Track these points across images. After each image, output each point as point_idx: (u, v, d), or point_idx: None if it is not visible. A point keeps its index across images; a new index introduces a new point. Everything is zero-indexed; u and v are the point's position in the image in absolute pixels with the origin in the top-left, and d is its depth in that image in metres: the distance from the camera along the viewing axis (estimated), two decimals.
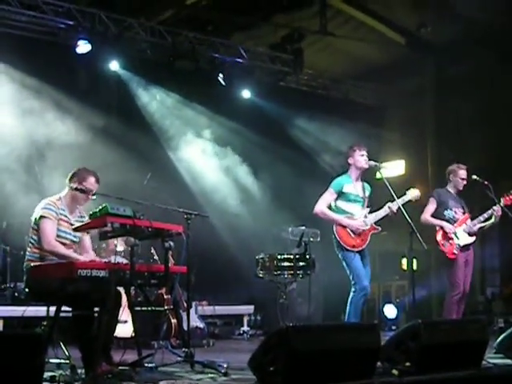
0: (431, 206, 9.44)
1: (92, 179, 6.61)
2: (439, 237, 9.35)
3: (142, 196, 7.01)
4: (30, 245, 6.49)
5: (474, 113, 13.32)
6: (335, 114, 13.82)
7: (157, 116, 12.55)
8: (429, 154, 14.81)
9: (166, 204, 6.99)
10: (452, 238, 9.25)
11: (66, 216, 6.55)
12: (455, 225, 9.35)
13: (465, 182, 9.51)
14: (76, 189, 6.49)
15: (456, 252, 9.22)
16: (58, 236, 6.42)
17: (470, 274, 9.44)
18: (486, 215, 9.34)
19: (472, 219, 9.45)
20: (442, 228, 9.31)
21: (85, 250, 6.71)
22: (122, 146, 11.27)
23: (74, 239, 6.60)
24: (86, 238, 6.74)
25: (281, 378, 5.08)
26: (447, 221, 9.36)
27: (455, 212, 9.43)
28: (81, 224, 6.35)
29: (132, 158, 11.15)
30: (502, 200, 9.28)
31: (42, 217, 6.39)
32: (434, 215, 9.42)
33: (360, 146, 8.65)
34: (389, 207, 8.49)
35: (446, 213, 9.41)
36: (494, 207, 9.26)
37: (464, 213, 9.51)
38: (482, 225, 9.41)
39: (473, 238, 9.37)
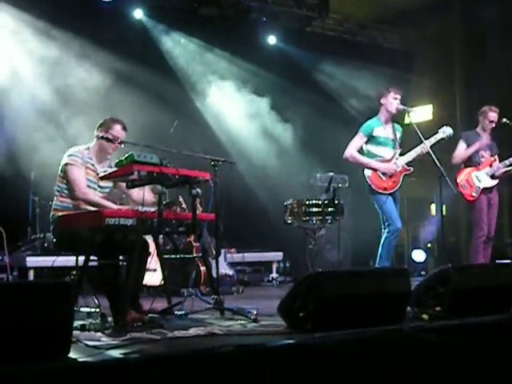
0: (461, 148, 9.38)
1: (118, 127, 6.59)
2: (459, 178, 9.31)
3: (169, 143, 6.97)
4: (57, 193, 6.48)
5: (502, 58, 13.11)
6: (362, 59, 13.68)
7: (182, 63, 12.47)
8: (457, 99, 14.67)
9: (193, 151, 6.95)
10: (473, 179, 9.22)
11: (93, 165, 6.54)
12: (479, 167, 9.30)
13: (493, 125, 9.45)
14: (102, 137, 6.47)
15: (475, 195, 9.20)
16: (87, 186, 6.42)
17: (495, 217, 9.43)
18: (508, 162, 9.28)
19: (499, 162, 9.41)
20: (465, 167, 9.28)
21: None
22: (147, 93, 11.23)
23: (103, 190, 6.61)
24: (132, 190, 6.66)
25: (310, 323, 5.09)
26: (473, 163, 9.31)
27: (482, 155, 9.37)
28: (107, 173, 6.34)
29: (158, 106, 11.11)
30: None
31: (67, 164, 6.38)
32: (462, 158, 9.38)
33: (396, 89, 8.61)
34: (420, 147, 8.44)
35: (472, 155, 9.35)
36: None
37: (492, 155, 9.44)
38: (507, 169, 9.34)
39: (495, 182, 9.32)
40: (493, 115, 9.43)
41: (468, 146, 9.39)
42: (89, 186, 6.47)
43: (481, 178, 9.28)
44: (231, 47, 12.57)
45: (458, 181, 9.30)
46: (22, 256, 9.70)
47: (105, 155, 6.67)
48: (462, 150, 9.39)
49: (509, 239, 13.96)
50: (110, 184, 6.66)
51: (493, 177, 9.28)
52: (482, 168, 9.31)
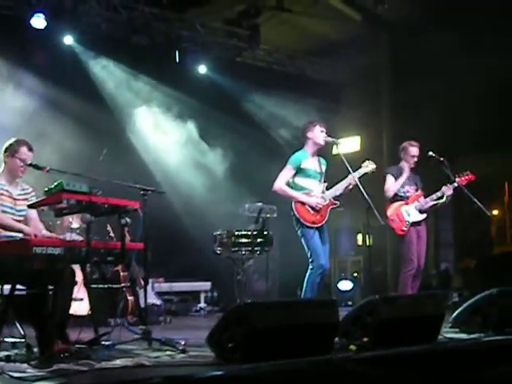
0: (390, 181, 9.50)
1: (24, 149, 6.53)
2: (389, 212, 9.43)
3: (98, 171, 6.92)
4: None
5: (429, 89, 13.36)
6: (291, 90, 13.78)
7: (112, 90, 12.39)
8: (384, 130, 14.88)
9: (122, 180, 6.91)
10: (402, 214, 9.34)
11: (7, 191, 6.48)
12: (407, 201, 9.44)
13: (415, 159, 9.59)
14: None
15: (405, 229, 9.31)
16: (2, 212, 6.34)
17: (424, 250, 9.54)
18: (438, 194, 9.44)
19: (425, 197, 9.54)
20: (392, 202, 9.41)
21: (32, 224, 6.63)
22: (77, 120, 11.16)
23: (20, 213, 6.53)
24: (31, 211, 6.65)
25: (239, 354, 5.08)
26: (399, 198, 9.45)
27: (407, 190, 9.52)
28: (35, 201, 6.27)
29: (87, 133, 11.05)
30: (457, 180, 9.34)
31: None
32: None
33: (320, 123, 8.66)
34: (347, 181, 8.51)
35: (398, 191, 9.49)
36: (444, 187, 9.38)
37: (417, 189, 9.60)
38: (434, 203, 9.50)
39: (423, 216, 9.47)
40: (414, 150, 9.58)
41: (396, 179, 9.52)
42: (5, 212, 6.38)
43: (410, 213, 9.40)
44: (162, 76, 12.56)
45: (388, 215, 9.40)
46: None
47: (15, 177, 6.60)
48: (392, 183, 9.50)
49: (434, 270, 14.20)
50: (25, 207, 6.56)
51: (421, 211, 9.42)
52: (411, 202, 9.45)
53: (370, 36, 14.40)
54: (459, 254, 14.53)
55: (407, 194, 9.51)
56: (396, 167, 9.65)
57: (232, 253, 9.08)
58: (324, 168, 8.72)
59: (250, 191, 12.06)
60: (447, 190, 9.36)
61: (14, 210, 6.46)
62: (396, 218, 9.38)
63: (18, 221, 6.49)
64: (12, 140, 6.65)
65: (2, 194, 6.41)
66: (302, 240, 8.39)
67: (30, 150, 6.59)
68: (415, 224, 9.40)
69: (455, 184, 9.33)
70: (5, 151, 6.58)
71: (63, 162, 7.01)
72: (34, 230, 6.37)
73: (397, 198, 9.47)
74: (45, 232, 6.58)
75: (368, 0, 13.42)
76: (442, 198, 9.43)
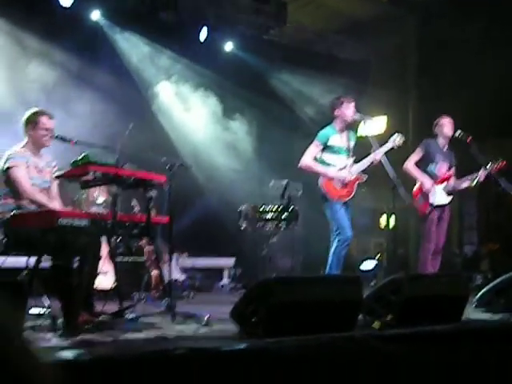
0: (416, 156, 9.40)
1: (44, 118, 6.57)
2: (416, 189, 9.35)
3: (125, 145, 6.93)
4: (3, 196, 6.43)
5: (457, 70, 13.26)
6: (318, 69, 13.74)
7: (138, 66, 12.39)
8: (410, 110, 14.81)
9: (148, 154, 6.92)
10: (429, 195, 9.24)
11: (33, 162, 6.50)
12: (436, 181, 9.33)
13: (449, 128, 9.42)
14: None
15: (428, 210, 9.21)
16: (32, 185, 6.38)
17: (445, 231, 9.44)
18: (470, 178, 9.32)
19: (457, 178, 9.45)
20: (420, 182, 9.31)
21: (51, 197, 6.67)
22: (104, 95, 11.16)
23: (45, 185, 6.56)
24: (54, 184, 6.70)
25: (262, 328, 5.09)
26: (429, 175, 9.34)
27: (439, 168, 9.38)
28: (61, 172, 6.30)
29: (115, 108, 11.04)
30: (491, 165, 9.19)
31: (10, 168, 6.33)
32: (418, 165, 9.39)
33: (349, 99, 8.63)
34: (373, 155, 8.48)
35: (430, 166, 9.37)
36: (481, 171, 9.24)
37: (450, 168, 9.46)
38: (465, 186, 9.39)
39: (449, 198, 9.34)
40: (446, 120, 9.43)
41: (425, 154, 9.39)
42: (34, 184, 6.43)
43: (436, 194, 9.27)
44: (188, 52, 12.52)
45: (414, 191, 9.33)
46: None
47: (40, 148, 6.63)
48: (415, 159, 9.39)
49: (458, 253, 14.14)
50: (49, 179, 6.60)
51: (448, 193, 9.30)
52: (440, 182, 9.32)
53: (398, 15, 14.30)
54: (483, 237, 14.46)
55: (438, 174, 9.37)
56: (433, 141, 9.48)
57: (257, 228, 9.08)
58: (352, 143, 8.69)
59: (275, 168, 12.06)
60: (481, 175, 9.24)
61: (40, 182, 6.50)
62: (421, 198, 9.29)
63: (44, 193, 6.52)
64: (30, 112, 6.67)
65: (29, 167, 6.44)
66: (328, 214, 8.40)
67: (51, 118, 6.62)
68: (440, 205, 9.31)
69: (487, 170, 9.20)
70: (26, 124, 6.61)
71: (89, 136, 6.99)
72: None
73: (428, 174, 9.35)
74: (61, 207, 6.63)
75: None
76: (473, 180, 9.31)
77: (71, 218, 5.67)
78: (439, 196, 9.26)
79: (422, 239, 9.41)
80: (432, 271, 9.17)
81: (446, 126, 9.42)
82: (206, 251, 11.51)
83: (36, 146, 6.59)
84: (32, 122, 6.56)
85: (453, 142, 9.56)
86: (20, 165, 6.35)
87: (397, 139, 8.62)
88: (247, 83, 12.98)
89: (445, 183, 9.31)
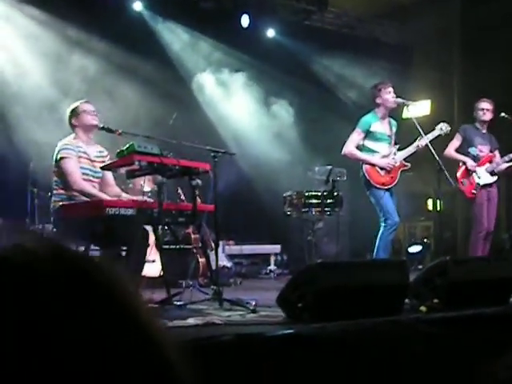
0: (456, 141, 9.40)
1: (84, 106, 6.71)
2: (459, 174, 9.32)
3: (169, 134, 6.99)
4: (55, 186, 6.55)
5: (501, 53, 13.11)
6: (361, 53, 13.68)
7: (181, 55, 12.47)
8: (455, 94, 14.67)
9: (192, 142, 6.98)
10: (473, 176, 9.20)
11: (85, 152, 6.60)
12: (478, 163, 9.29)
13: (486, 113, 9.37)
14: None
15: (475, 191, 9.18)
16: (82, 174, 6.46)
17: (494, 212, 9.40)
18: (507, 159, 9.27)
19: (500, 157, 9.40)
20: (464, 164, 9.27)
21: (109, 185, 6.77)
22: (147, 85, 11.26)
23: (97, 175, 6.65)
24: (109, 173, 6.79)
25: (309, 313, 5.12)
26: (471, 158, 9.31)
27: (480, 150, 9.35)
28: (107, 162, 6.38)
29: (158, 97, 11.14)
30: None
31: (61, 158, 6.42)
32: (458, 151, 9.37)
33: (385, 84, 8.62)
34: (418, 143, 8.46)
35: (470, 150, 9.36)
36: None
37: (491, 150, 9.42)
38: (508, 165, 9.34)
39: (494, 178, 9.29)
40: (483, 104, 9.40)
41: (464, 140, 9.38)
42: (85, 174, 6.53)
43: (480, 175, 9.24)
44: (230, 40, 12.55)
45: (458, 176, 9.29)
46: None
47: (90, 131, 6.72)
48: (455, 145, 9.39)
49: (506, 234, 13.99)
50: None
51: (492, 173, 9.26)
52: (482, 164, 9.28)
53: None
54: None
55: (480, 154, 9.34)
56: (470, 126, 9.47)
57: (302, 213, 9.10)
58: (394, 130, 8.68)
59: (319, 154, 12.03)
60: None
61: (92, 172, 6.59)
62: (466, 181, 9.26)
63: (95, 182, 6.62)
64: (73, 104, 6.78)
65: (80, 157, 6.53)
66: (373, 201, 8.41)
67: (87, 102, 6.79)
68: (486, 186, 9.26)
69: None
70: (69, 119, 6.72)
71: (134, 125, 7.07)
72: (112, 195, 6.51)
73: (469, 157, 9.32)
74: (124, 195, 6.71)
75: None
76: None
77: (118, 208, 5.75)
78: (483, 176, 9.23)
79: (473, 222, 9.37)
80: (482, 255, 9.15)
81: (482, 110, 9.37)
82: (252, 238, 11.56)
83: (85, 131, 6.69)
84: (73, 113, 6.68)
85: (497, 123, 9.50)
86: (72, 156, 6.45)
87: (443, 127, 8.60)
88: (290, 69, 12.97)
89: (487, 164, 9.28)
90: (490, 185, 9.29)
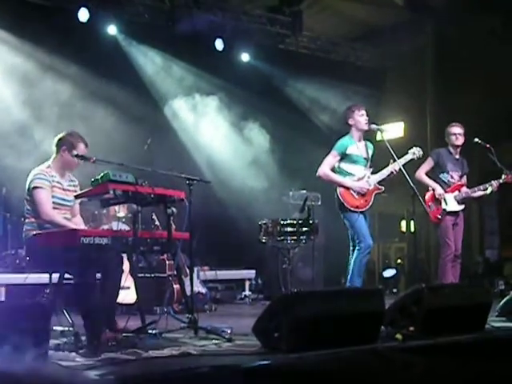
0: (427, 165, 9.44)
1: (82, 145, 6.62)
2: (427, 197, 9.37)
3: (143, 161, 6.97)
4: (27, 215, 6.53)
5: (473, 74, 13.22)
6: (334, 77, 13.75)
7: (155, 80, 12.44)
8: (428, 116, 14.78)
9: (167, 169, 6.95)
10: (440, 202, 9.25)
11: (58, 182, 6.56)
12: (448, 190, 9.34)
13: (459, 138, 9.41)
14: (77, 156, 6.46)
15: (440, 217, 9.22)
16: (53, 203, 6.43)
17: (461, 237, 9.45)
18: (482, 187, 9.34)
19: (468, 187, 9.45)
20: (433, 189, 9.32)
21: (73, 215, 6.74)
22: (121, 110, 11.23)
23: (69, 204, 6.64)
24: (76, 202, 6.76)
25: (285, 343, 5.10)
26: (441, 184, 9.35)
27: (451, 176, 9.42)
28: (81, 191, 6.36)
29: (132, 123, 11.12)
30: (503, 177, 9.26)
31: (35, 187, 6.38)
32: (429, 175, 9.41)
33: (358, 106, 8.64)
34: (392, 167, 8.48)
35: (441, 175, 9.41)
36: (493, 182, 9.28)
37: (461, 176, 9.49)
38: (477, 195, 9.43)
39: (461, 207, 9.37)
40: (455, 129, 9.45)
41: (436, 165, 9.42)
42: (58, 204, 6.51)
43: (448, 201, 9.28)
44: (204, 64, 12.55)
45: (426, 199, 9.35)
46: None
47: (67, 170, 6.68)
48: (426, 169, 9.43)
49: (479, 257, 14.09)
50: (73, 198, 6.65)
51: (460, 202, 9.33)
52: (451, 191, 9.35)
53: (413, 21, 14.27)
54: (505, 241, 14.39)
55: (451, 181, 9.40)
56: (443, 150, 9.51)
57: (277, 242, 9.09)
58: (371, 153, 8.70)
59: (293, 178, 12.07)
60: (495, 186, 9.27)
61: (64, 201, 6.55)
62: (433, 205, 9.31)
63: (68, 211, 6.58)
64: (68, 132, 6.73)
65: (54, 186, 6.49)
66: (347, 224, 8.42)
67: (86, 146, 6.68)
68: (452, 213, 9.33)
69: (500, 181, 9.26)
70: (60, 143, 6.65)
71: (108, 151, 7.03)
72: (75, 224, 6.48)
73: (439, 183, 9.38)
74: (83, 225, 6.70)
75: None
76: (485, 190, 9.34)
77: (93, 237, 5.71)
78: (451, 204, 9.28)
79: (440, 247, 9.42)
80: (452, 278, 9.18)
81: (454, 135, 9.43)
82: (227, 264, 11.52)
83: (64, 167, 6.65)
84: (68, 144, 6.61)
85: (471, 147, 9.56)
86: (44, 186, 6.41)
87: (416, 152, 8.64)
88: (265, 93, 13.00)
89: (456, 192, 9.34)
90: (456, 212, 9.35)
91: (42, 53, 10.94)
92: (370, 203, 8.51)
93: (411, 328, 5.82)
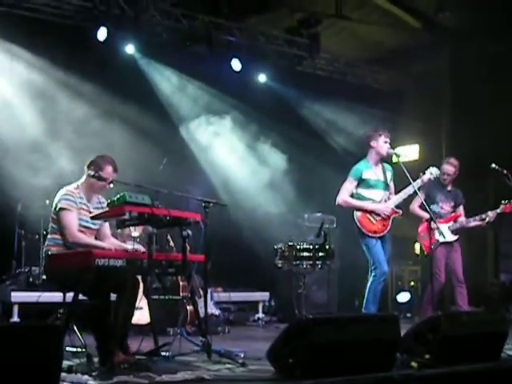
0: (419, 198, 9.38)
1: (109, 168, 6.56)
2: (421, 228, 9.41)
3: (159, 180, 6.96)
4: (50, 231, 6.48)
5: (490, 98, 13.17)
6: (351, 99, 13.71)
7: (172, 99, 12.45)
8: (443, 139, 14.72)
9: (182, 190, 6.95)
10: (434, 232, 9.21)
11: (85, 204, 6.51)
12: (441, 221, 9.33)
13: (447, 178, 9.52)
14: (94, 176, 6.44)
15: (432, 247, 9.17)
16: (79, 225, 6.38)
17: (460, 262, 9.52)
18: (478, 218, 9.38)
19: (466, 216, 9.47)
20: (426, 220, 9.28)
21: (106, 237, 6.69)
22: (137, 130, 11.23)
23: (94, 227, 6.56)
24: (106, 225, 6.72)
25: (299, 369, 5.06)
26: (435, 215, 9.31)
27: (441, 207, 9.43)
28: (98, 212, 6.34)
29: (148, 143, 11.12)
30: (501, 207, 9.30)
31: (62, 209, 6.34)
32: (421, 207, 9.40)
33: (385, 132, 8.62)
34: (409, 189, 8.48)
35: (432, 207, 9.41)
36: (490, 212, 9.34)
37: (454, 207, 9.49)
38: (473, 225, 9.43)
39: (455, 237, 9.39)
40: (447, 168, 9.51)
41: (427, 196, 9.37)
42: (84, 226, 6.44)
43: (442, 232, 9.22)
44: (221, 84, 12.55)
45: (419, 230, 9.39)
46: (6, 290, 9.58)
47: (94, 193, 6.64)
48: (419, 201, 9.37)
49: (494, 282, 13.97)
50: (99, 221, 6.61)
51: (454, 232, 9.33)
52: (445, 222, 9.37)
53: (430, 43, 14.24)
54: None
55: (441, 212, 9.42)
56: (431, 183, 9.43)
57: (293, 266, 9.08)
58: (390, 175, 8.67)
59: (308, 200, 12.04)
60: (491, 217, 9.32)
61: (90, 224, 6.49)
62: (426, 236, 9.23)
63: (94, 234, 6.57)
64: (102, 155, 6.69)
65: (80, 208, 6.45)
66: (364, 249, 8.40)
67: (115, 171, 6.63)
68: (445, 243, 9.33)
69: (498, 210, 9.30)
70: (89, 165, 6.61)
71: (123, 171, 7.01)
72: (111, 245, 6.44)
73: (431, 214, 9.36)
74: (120, 245, 6.65)
75: (429, 7, 13.30)
76: (483, 221, 9.35)
77: (108, 259, 5.70)
78: (445, 234, 9.25)
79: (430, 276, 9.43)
80: (461, 304, 9.22)
81: (444, 174, 9.46)
82: (241, 286, 11.46)
83: (91, 190, 6.60)
84: (95, 165, 6.57)
85: (487, 172, 9.54)
86: (72, 208, 6.36)
87: (433, 171, 8.63)
88: (281, 115, 12.98)
89: (451, 222, 9.37)
90: (450, 243, 9.36)
91: (59, 70, 10.95)
92: (389, 227, 8.48)
93: (427, 356, 5.76)
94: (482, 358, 5.89)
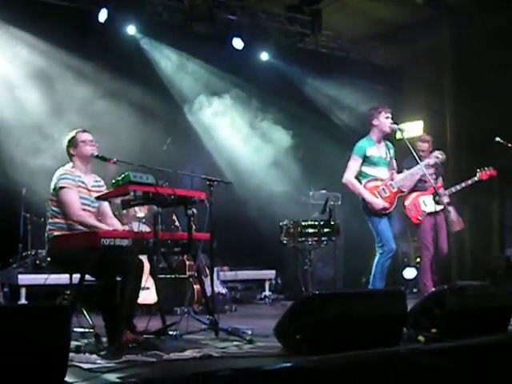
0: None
1: (84, 134, 6.59)
2: (407, 202, 9.45)
3: (163, 160, 6.95)
4: (50, 215, 6.46)
5: (492, 72, 13.13)
6: (354, 75, 13.67)
7: (174, 79, 12.42)
8: (447, 114, 14.69)
9: (187, 169, 6.95)
10: (420, 204, 9.30)
11: (83, 182, 6.49)
12: (425, 192, 9.40)
13: (422, 153, 9.50)
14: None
15: (420, 218, 9.34)
16: (81, 204, 6.38)
17: (445, 237, 9.60)
18: (458, 187, 9.52)
19: (445, 188, 9.63)
20: (410, 193, 9.37)
21: (107, 217, 6.68)
22: (140, 110, 11.24)
23: (95, 205, 6.55)
24: (106, 204, 6.70)
25: (307, 345, 5.08)
26: (417, 189, 9.41)
27: (424, 181, 9.44)
28: (103, 192, 6.34)
29: (151, 123, 11.11)
30: (478, 174, 9.49)
31: (61, 188, 6.33)
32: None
33: (385, 108, 8.60)
34: (414, 170, 8.52)
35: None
36: (469, 181, 9.53)
37: (436, 179, 9.53)
38: (454, 191, 9.55)
39: (440, 207, 9.40)
40: (420, 145, 9.65)
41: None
42: (84, 204, 6.42)
43: (427, 203, 9.45)
44: (223, 63, 12.52)
45: (406, 204, 9.46)
46: (13, 273, 9.62)
47: (88, 160, 6.61)
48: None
49: (500, 254, 13.96)
50: None
51: (438, 202, 9.38)
52: (429, 193, 9.40)
53: (432, 19, 14.18)
54: None
55: (425, 185, 9.45)
56: (407, 160, 9.51)
57: (298, 243, 9.08)
58: (392, 153, 8.68)
59: (312, 177, 12.03)
60: (469, 182, 9.51)
61: (90, 202, 6.48)
62: (413, 208, 9.45)
63: (92, 212, 6.55)
64: (71, 133, 6.69)
65: (79, 186, 6.44)
66: (371, 226, 8.43)
67: (84, 131, 6.65)
68: (432, 214, 9.38)
69: (475, 178, 9.48)
70: (67, 148, 6.62)
71: (127, 151, 7.00)
72: (110, 226, 6.43)
73: (415, 187, 9.42)
74: (120, 226, 6.65)
75: None
76: (460, 187, 9.50)
77: (113, 238, 5.70)
78: (429, 205, 9.42)
79: (420, 248, 9.54)
80: (432, 284, 9.37)
81: (420, 145, 9.64)
82: (247, 264, 11.48)
83: (83, 161, 6.57)
84: (71, 143, 6.58)
85: (492, 145, 9.58)
86: (71, 186, 6.34)
87: (439, 155, 8.67)
88: (284, 92, 12.96)
89: (434, 193, 9.46)
90: (436, 213, 9.40)
91: (61, 52, 10.94)
92: (394, 205, 8.50)
93: (434, 330, 5.78)
94: (489, 332, 5.89)
